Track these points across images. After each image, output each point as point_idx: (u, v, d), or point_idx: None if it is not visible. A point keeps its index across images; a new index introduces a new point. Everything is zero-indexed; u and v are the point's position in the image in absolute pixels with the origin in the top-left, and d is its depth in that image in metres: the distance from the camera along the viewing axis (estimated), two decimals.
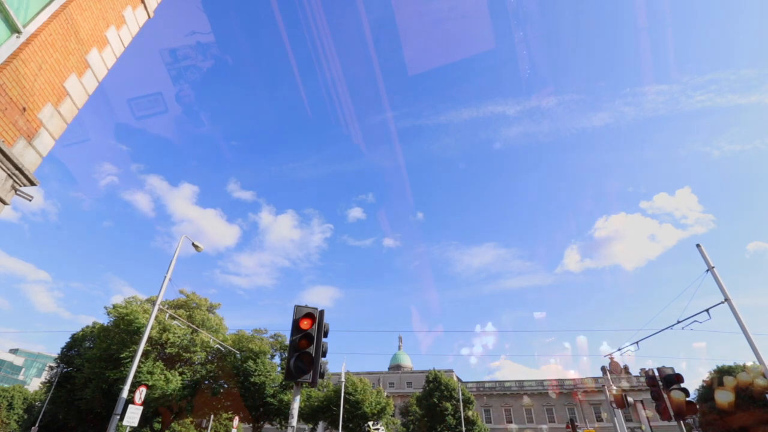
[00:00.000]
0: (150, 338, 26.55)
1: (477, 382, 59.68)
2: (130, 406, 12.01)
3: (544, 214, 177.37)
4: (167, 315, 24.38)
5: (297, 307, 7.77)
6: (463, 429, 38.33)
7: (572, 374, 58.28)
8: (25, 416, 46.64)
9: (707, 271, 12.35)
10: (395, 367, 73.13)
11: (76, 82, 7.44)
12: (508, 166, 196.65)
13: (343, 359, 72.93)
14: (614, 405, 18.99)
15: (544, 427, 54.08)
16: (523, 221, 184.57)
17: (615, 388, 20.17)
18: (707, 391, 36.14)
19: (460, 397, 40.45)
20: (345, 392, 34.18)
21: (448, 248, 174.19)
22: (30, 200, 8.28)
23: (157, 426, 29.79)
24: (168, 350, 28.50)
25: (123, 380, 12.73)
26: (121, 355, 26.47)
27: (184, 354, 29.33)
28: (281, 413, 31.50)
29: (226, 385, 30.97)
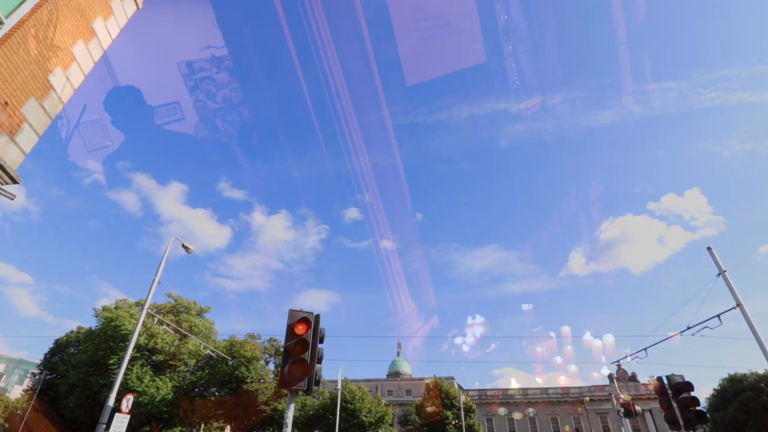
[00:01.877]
0: (137, 345, 25.89)
1: (479, 390, 58.85)
2: (117, 414, 11.51)
3: (547, 215, 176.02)
4: (155, 320, 23.72)
5: (291, 312, 7.55)
6: None
7: (578, 382, 57.48)
8: (6, 425, 45.60)
9: (718, 275, 12.00)
10: (394, 374, 72.00)
11: (61, 75, 7.15)
12: (511, 166, 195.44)
13: (340, 366, 71.98)
14: (622, 414, 18.53)
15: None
16: (525, 222, 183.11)
17: (622, 396, 19.74)
18: (718, 400, 35.51)
19: (461, 405, 39.72)
20: (342, 400, 33.49)
21: (448, 250, 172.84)
22: (12, 199, 7.90)
23: None
24: (155, 357, 27.85)
25: (110, 387, 12.24)
26: (109, 362, 25.74)
27: (171, 361, 28.64)
28: (275, 422, 30.85)
29: (217, 393, 30.26)
